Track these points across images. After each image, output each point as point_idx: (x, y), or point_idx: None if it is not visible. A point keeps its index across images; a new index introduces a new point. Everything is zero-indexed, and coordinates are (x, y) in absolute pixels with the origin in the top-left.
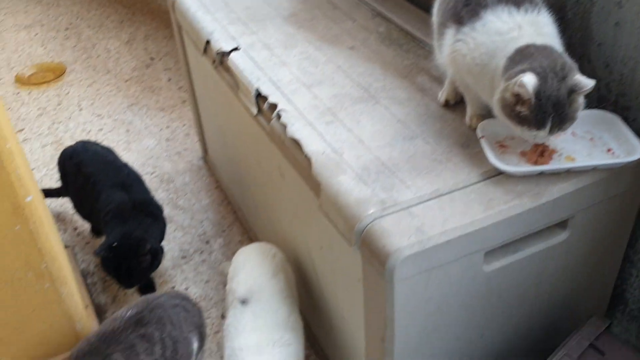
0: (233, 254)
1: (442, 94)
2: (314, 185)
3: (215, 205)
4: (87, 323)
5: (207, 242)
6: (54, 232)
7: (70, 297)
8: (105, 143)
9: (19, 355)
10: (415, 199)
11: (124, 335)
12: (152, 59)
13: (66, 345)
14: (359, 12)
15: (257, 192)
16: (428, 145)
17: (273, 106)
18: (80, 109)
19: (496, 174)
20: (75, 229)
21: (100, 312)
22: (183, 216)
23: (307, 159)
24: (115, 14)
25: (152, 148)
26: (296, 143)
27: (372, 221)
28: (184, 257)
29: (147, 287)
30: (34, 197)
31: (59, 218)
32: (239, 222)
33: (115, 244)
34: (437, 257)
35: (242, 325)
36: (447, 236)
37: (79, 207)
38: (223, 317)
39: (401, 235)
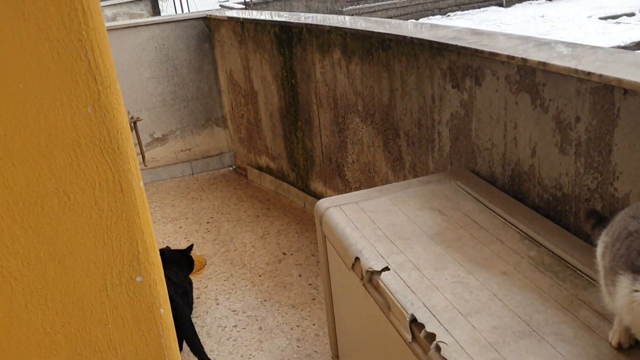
0: None
1: (614, 335)
2: None
3: None
4: None
5: None
6: None
7: None
8: (239, 341)
9: None
10: None
11: None
12: (284, 254)
13: None
14: (505, 233)
15: None
16: None
17: (431, 336)
18: (217, 304)
19: None
20: None
21: None
22: None
23: None
24: (251, 208)
25: (283, 349)
26: None
27: None
28: None
29: None
30: None
31: None
32: None
33: None
34: None
35: None
36: None
37: None
38: None
39: None
